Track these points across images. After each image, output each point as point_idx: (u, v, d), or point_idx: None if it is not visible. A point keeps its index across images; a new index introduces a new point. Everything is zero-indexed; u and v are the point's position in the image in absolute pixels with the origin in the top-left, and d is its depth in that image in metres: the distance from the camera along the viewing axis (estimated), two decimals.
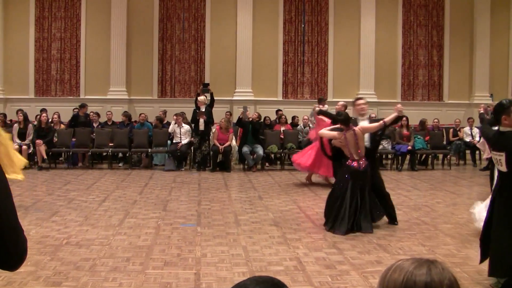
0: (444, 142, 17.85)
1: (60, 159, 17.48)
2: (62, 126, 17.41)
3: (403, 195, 12.20)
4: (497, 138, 5.92)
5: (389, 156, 17.48)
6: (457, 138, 18.07)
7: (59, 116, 17.45)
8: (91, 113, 18.02)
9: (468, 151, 18.00)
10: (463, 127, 18.37)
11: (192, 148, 16.57)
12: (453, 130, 18.34)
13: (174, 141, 16.35)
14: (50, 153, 16.16)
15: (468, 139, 17.88)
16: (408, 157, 16.73)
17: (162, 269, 6.58)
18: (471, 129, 17.92)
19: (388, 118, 8.92)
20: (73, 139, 16.55)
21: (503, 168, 5.74)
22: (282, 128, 17.40)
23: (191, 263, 6.84)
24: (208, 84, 17.26)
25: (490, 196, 7.17)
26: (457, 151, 17.82)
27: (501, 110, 5.78)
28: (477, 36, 20.87)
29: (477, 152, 17.72)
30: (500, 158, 5.74)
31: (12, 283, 5.89)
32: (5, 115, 18.08)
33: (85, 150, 16.50)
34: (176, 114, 16.65)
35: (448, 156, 17.54)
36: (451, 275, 1.74)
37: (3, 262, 2.21)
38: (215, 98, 16.78)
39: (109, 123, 17.81)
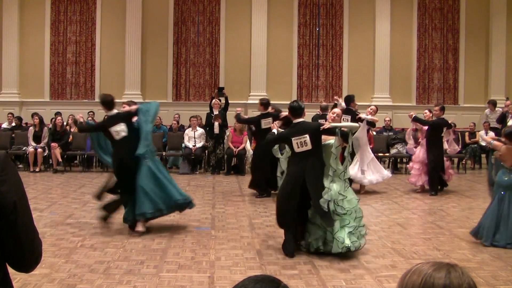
0: (460, 146, 17.71)
1: (75, 162, 17.57)
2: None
3: (418, 199, 12.14)
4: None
5: (404, 160, 17.41)
6: (472, 141, 17.97)
7: (73, 119, 17.54)
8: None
9: (483, 155, 17.86)
10: (478, 131, 18.25)
11: (206, 151, 16.58)
12: (468, 134, 18.23)
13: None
14: (65, 156, 16.26)
15: (483, 143, 17.74)
16: None
17: (176, 272, 6.58)
18: (486, 133, 17.80)
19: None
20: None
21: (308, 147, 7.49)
22: None
23: (205, 266, 6.84)
24: (223, 88, 17.28)
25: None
26: (473, 155, 17.71)
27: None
28: (493, 39, 20.70)
29: (493, 156, 17.60)
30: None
31: (27, 285, 5.93)
32: (20, 118, 18.24)
33: None
34: (192, 117, 16.71)
35: (464, 160, 17.43)
36: (471, 280, 1.74)
37: (18, 264, 2.23)
38: (229, 101, 16.77)
39: None
